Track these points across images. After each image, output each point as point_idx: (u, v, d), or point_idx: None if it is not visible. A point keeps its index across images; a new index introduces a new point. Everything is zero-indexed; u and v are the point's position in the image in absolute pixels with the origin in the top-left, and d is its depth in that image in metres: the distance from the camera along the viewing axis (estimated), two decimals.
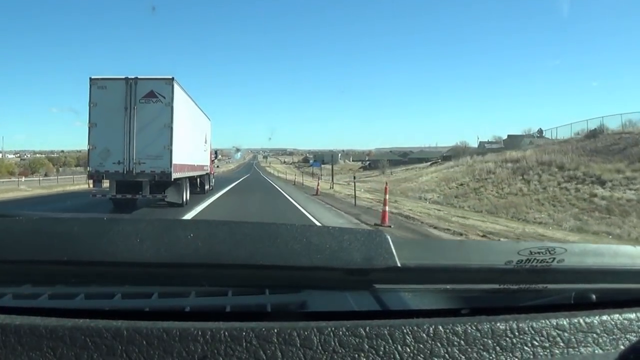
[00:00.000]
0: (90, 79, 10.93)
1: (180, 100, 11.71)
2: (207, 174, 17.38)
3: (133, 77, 11.02)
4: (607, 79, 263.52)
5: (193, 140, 14.01)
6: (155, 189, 11.35)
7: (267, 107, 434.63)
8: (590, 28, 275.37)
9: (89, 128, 10.91)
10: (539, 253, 0.76)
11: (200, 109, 15.50)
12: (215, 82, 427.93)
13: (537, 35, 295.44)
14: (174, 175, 11.24)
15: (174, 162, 11.10)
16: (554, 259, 0.76)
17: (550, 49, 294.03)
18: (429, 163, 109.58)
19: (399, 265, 0.70)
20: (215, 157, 21.48)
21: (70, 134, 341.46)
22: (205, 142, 16.91)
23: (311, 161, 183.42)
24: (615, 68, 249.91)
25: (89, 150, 11.05)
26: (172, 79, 11.13)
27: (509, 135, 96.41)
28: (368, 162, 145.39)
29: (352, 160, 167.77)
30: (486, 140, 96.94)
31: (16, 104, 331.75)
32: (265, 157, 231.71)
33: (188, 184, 13.30)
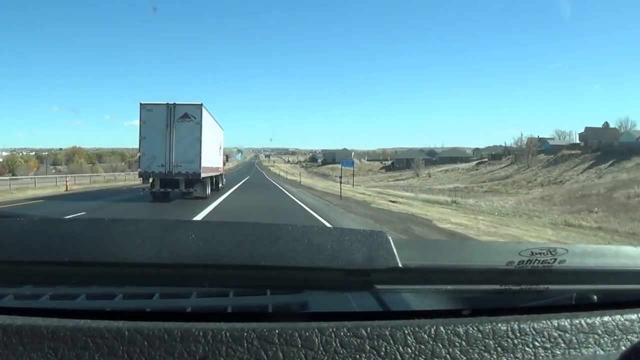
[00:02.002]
0: (141, 104, 15.14)
1: (206, 119, 15.96)
2: (220, 174, 21.32)
3: (172, 103, 15.22)
4: (608, 81, 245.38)
5: (213, 148, 18.22)
6: (188, 185, 15.27)
7: (268, 107, 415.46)
8: (586, 27, 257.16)
9: (140, 140, 15.10)
10: (540, 254, 0.76)
11: (218, 123, 19.61)
12: (215, 81, 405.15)
13: (535, 37, 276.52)
14: (202, 175, 15.45)
15: (202, 165, 15.37)
16: (555, 259, 0.76)
17: (550, 51, 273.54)
18: (475, 162, 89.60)
19: (400, 265, 0.70)
20: (227, 160, 25.91)
21: (69, 132, 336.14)
22: (220, 149, 20.79)
23: (319, 160, 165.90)
24: (618, 69, 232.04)
25: (139, 156, 15.44)
26: (201, 104, 15.41)
27: (587, 128, 73.97)
28: (391, 162, 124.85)
29: (368, 160, 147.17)
30: (535, 135, 76.37)
31: (17, 101, 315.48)
32: (267, 156, 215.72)
33: (209, 182, 17.21)
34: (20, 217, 0.93)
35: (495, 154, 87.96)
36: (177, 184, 15.01)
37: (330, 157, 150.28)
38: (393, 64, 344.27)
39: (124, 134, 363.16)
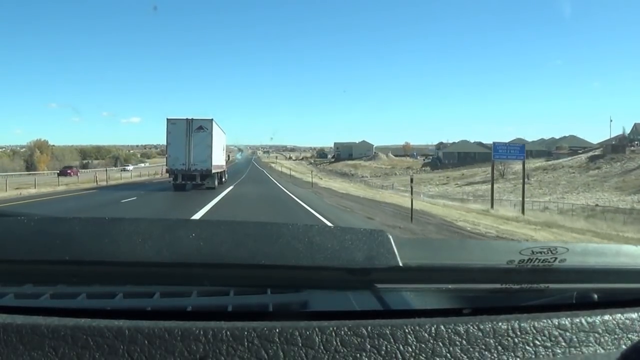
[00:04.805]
0: (167, 119, 20.91)
1: (215, 130, 21.74)
2: (223, 170, 26.83)
3: (190, 118, 20.80)
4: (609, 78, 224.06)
5: (219, 150, 23.92)
6: (202, 179, 20.75)
7: (265, 105, 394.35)
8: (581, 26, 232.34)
9: (167, 145, 21.19)
10: (540, 253, 0.75)
11: (222, 130, 25.60)
12: (213, 78, 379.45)
13: (535, 34, 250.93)
14: (213, 171, 21.00)
15: (212, 164, 20.77)
16: (556, 258, 0.76)
17: (552, 49, 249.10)
18: (588, 156, 60.96)
19: (400, 264, 0.70)
20: (229, 159, 33.32)
21: (67, 129, 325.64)
22: (223, 150, 26.75)
23: (329, 155, 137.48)
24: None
25: (167, 157, 21.64)
26: (212, 119, 21.12)
27: None
28: (433, 157, 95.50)
29: (394, 155, 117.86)
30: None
31: (15, 98, 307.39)
32: (266, 152, 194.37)
33: (217, 176, 22.78)
34: (21, 216, 0.92)
35: (616, 146, 59.88)
36: (194, 178, 20.51)
37: (345, 152, 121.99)
38: (394, 61, 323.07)
39: (122, 132, 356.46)
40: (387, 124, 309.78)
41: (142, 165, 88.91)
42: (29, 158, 79.11)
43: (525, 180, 55.90)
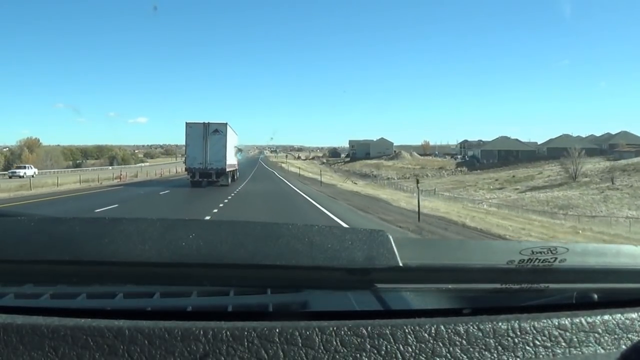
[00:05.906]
0: (186, 123, 24.39)
1: (229, 133, 25.19)
2: (235, 169, 29.74)
3: (207, 122, 24.12)
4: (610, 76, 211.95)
5: (232, 151, 26.97)
6: (217, 176, 24.05)
7: (271, 104, 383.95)
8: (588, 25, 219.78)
9: (185, 147, 24.68)
10: (540, 253, 0.75)
11: (235, 132, 28.37)
12: (217, 78, 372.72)
13: (540, 34, 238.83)
14: (227, 170, 24.47)
15: (227, 163, 24.26)
16: (556, 258, 0.76)
17: (555, 50, 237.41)
18: None
19: (400, 264, 0.70)
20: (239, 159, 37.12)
21: (74, 129, 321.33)
22: (234, 150, 30.29)
23: (343, 154, 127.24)
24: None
25: (185, 157, 24.96)
26: (226, 123, 24.69)
27: None
28: (465, 156, 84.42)
29: (420, 154, 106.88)
30: None
31: (21, 99, 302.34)
32: (273, 151, 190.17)
33: (231, 174, 26.36)
34: (21, 216, 0.93)
35: None
36: (210, 176, 23.77)
37: (362, 151, 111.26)
38: (396, 61, 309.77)
39: (128, 131, 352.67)
40: (398, 123, 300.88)
41: (142, 164, 78.70)
42: (18, 157, 74.00)
43: (611, 184, 44.22)
